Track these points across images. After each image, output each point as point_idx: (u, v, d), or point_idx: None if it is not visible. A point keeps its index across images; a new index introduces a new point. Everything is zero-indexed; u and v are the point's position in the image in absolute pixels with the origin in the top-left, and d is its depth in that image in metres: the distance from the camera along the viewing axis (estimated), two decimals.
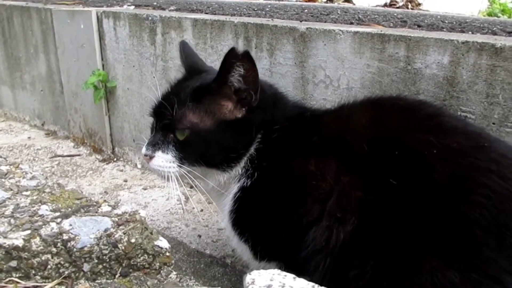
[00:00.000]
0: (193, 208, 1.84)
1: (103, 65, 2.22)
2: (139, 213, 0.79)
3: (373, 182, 0.93)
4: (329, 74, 1.41)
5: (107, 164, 2.33)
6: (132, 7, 2.34)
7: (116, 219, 0.75)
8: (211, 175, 1.14)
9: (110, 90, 2.23)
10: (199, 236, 1.64)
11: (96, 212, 0.76)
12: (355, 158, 0.97)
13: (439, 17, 1.42)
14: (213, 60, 1.72)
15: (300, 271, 0.90)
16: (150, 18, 1.91)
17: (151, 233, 0.76)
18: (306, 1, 2.88)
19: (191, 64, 1.25)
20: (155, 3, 2.43)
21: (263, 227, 1.07)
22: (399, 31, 1.26)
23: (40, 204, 0.77)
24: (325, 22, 1.61)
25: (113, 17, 2.07)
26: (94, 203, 0.80)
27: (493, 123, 1.14)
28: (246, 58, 1.04)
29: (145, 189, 2.04)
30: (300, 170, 1.02)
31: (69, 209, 0.76)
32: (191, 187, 2.01)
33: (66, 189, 0.86)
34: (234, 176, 1.12)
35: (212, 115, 1.09)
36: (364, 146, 0.95)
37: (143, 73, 2.03)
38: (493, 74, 1.10)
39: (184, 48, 1.30)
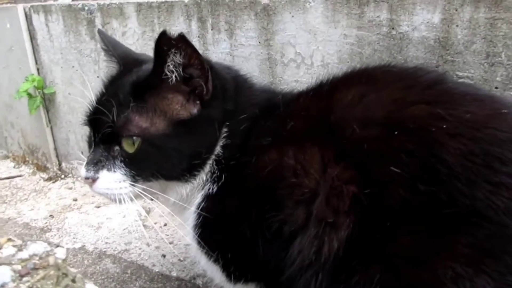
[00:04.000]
0: (155, 223, 1.66)
1: (38, 69, 2.00)
2: (54, 254, 0.60)
3: (369, 172, 0.77)
4: (300, 51, 1.26)
5: (53, 183, 2.11)
6: (68, 1, 2.14)
7: (19, 267, 0.57)
8: (171, 189, 0.97)
9: (49, 98, 2.02)
10: (163, 256, 1.45)
11: None
12: (344, 143, 0.80)
13: None
14: None
15: None
16: (86, 8, 1.72)
17: (74, 280, 0.58)
18: None
19: (123, 55, 1.06)
20: None
21: (234, 241, 0.89)
22: None
23: None
24: None
25: (43, 11, 1.87)
26: None
27: (496, 87, 1.01)
28: (182, 42, 0.84)
29: (98, 207, 1.83)
30: (275, 165, 0.84)
31: None
32: (151, 199, 1.84)
33: None
34: (198, 185, 0.95)
35: (164, 114, 0.91)
36: (354, 128, 0.79)
37: (85, 74, 1.83)
38: (494, 29, 0.98)
39: (105, 37, 1.10)
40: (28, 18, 1.92)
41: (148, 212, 1.74)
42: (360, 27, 1.15)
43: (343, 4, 1.16)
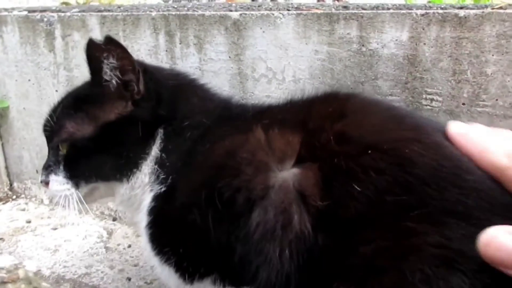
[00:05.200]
0: (118, 244, 1.63)
1: None
2: (23, 267, 0.58)
3: (331, 186, 0.79)
4: (271, 66, 1.30)
5: (3, 204, 2.02)
6: (25, 12, 2.10)
7: None
8: (116, 191, 1.05)
9: (1, 113, 1.96)
10: (129, 279, 1.42)
11: None
12: (317, 147, 0.82)
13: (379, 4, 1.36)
14: None
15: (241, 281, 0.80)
16: (45, 19, 1.70)
17: None
18: (228, 1, 2.80)
19: None
20: (53, 8, 2.21)
21: (185, 232, 0.91)
22: (348, 10, 1.18)
23: None
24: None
25: None
26: None
27: (463, 104, 1.08)
28: (112, 45, 0.93)
29: (54, 229, 1.78)
30: (234, 142, 0.89)
31: None
32: (114, 219, 1.80)
33: None
34: (143, 186, 1.01)
35: (96, 120, 1.00)
36: (330, 139, 0.82)
37: (42, 87, 1.80)
38: (459, 48, 1.05)
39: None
40: None
41: (110, 233, 1.71)
42: (331, 44, 1.20)
43: (313, 20, 1.21)
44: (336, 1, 3.25)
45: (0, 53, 1.85)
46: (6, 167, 2.08)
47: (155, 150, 0.99)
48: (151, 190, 0.98)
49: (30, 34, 1.74)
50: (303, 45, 1.24)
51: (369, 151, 0.78)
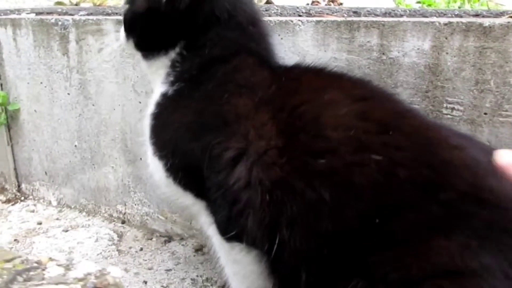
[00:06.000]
0: (130, 247, 1.60)
1: (1, 85, 1.91)
2: (108, 273, 0.56)
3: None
4: None
5: (12, 205, 1.99)
6: (33, 14, 2.07)
7: (78, 287, 0.53)
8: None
9: (12, 115, 1.92)
10: (145, 282, 1.40)
11: (43, 279, 0.53)
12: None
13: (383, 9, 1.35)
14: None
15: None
16: (60, 23, 1.67)
17: None
18: None
19: None
20: (59, 10, 2.18)
21: (181, 147, 0.94)
22: (370, 18, 1.16)
23: None
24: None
25: (12, 25, 1.79)
26: (35, 264, 0.57)
27: (485, 113, 1.06)
28: None
29: (66, 231, 1.75)
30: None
31: (0, 279, 0.53)
32: (123, 222, 1.77)
33: None
34: (159, 75, 1.05)
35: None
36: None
37: (54, 90, 1.76)
38: (482, 58, 1.03)
39: None
40: None
41: (120, 236, 1.69)
42: (351, 51, 1.18)
43: (333, 28, 1.19)
44: (331, 3, 3.23)
45: (13, 55, 1.82)
46: (15, 169, 2.04)
47: (176, 51, 1.01)
48: (161, 84, 1.02)
49: (44, 38, 1.71)
50: (322, 52, 1.22)
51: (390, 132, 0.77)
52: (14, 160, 2.03)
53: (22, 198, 2.04)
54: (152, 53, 1.05)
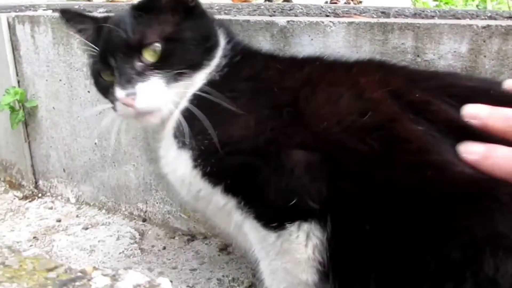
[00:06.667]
0: (153, 246, 1.58)
1: (18, 82, 1.87)
2: (159, 285, 0.54)
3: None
4: None
5: (30, 202, 1.96)
6: (49, 11, 2.03)
7: None
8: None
9: (30, 112, 1.89)
10: (171, 281, 1.37)
11: None
12: None
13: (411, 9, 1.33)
14: None
15: None
16: None
17: None
18: (242, 1, 2.73)
19: None
20: (76, 6, 2.13)
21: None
22: (404, 19, 1.13)
23: None
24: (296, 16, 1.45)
25: (30, 22, 1.75)
26: (80, 274, 0.54)
27: None
28: None
29: (86, 228, 1.72)
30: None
31: None
32: (144, 220, 1.75)
33: (24, 255, 0.59)
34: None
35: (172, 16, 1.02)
36: None
37: (74, 88, 1.73)
38: None
39: None
40: (11, 28, 1.79)
41: (142, 234, 1.66)
42: (384, 53, 1.15)
43: (366, 30, 1.16)
44: (350, 2, 3.19)
45: (31, 53, 1.78)
46: (32, 165, 2.01)
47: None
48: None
49: (63, 35, 1.67)
50: (354, 54, 1.18)
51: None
52: (32, 157, 2.00)
53: (40, 195, 2.01)
54: None
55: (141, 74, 0.95)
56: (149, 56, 0.95)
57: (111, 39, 0.98)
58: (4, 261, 0.56)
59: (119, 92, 0.94)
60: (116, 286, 0.51)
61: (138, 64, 0.96)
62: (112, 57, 0.97)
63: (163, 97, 0.96)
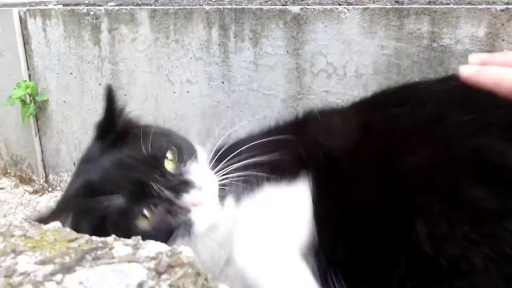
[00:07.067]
0: None
1: (29, 75, 1.86)
2: (180, 252, 0.52)
3: None
4: (332, 61, 1.23)
5: (40, 196, 1.95)
6: (60, 6, 2.02)
7: (152, 265, 0.49)
8: None
9: (40, 105, 1.88)
10: None
11: (113, 258, 0.49)
12: None
13: None
14: (178, 57, 1.47)
15: None
16: (92, 13, 1.61)
17: (206, 280, 0.51)
18: None
19: None
20: (86, 2, 2.13)
21: None
22: (418, 5, 1.11)
23: (13, 254, 0.49)
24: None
25: (41, 15, 1.74)
26: (101, 244, 0.52)
27: None
28: None
29: None
30: None
31: (68, 258, 0.49)
32: None
33: (45, 228, 0.57)
34: None
35: None
36: None
37: (85, 81, 1.72)
38: None
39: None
40: (22, 22, 1.78)
41: None
42: (399, 39, 1.13)
43: (381, 15, 1.14)
44: None
45: (42, 46, 1.77)
46: (43, 160, 2.00)
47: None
48: None
49: (75, 28, 1.66)
50: (368, 40, 1.16)
51: None
52: (42, 151, 1.98)
53: (50, 189, 1.99)
54: None
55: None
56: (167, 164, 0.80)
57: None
58: (25, 233, 0.54)
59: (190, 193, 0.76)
60: (138, 254, 0.49)
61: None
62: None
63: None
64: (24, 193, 1.99)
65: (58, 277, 0.45)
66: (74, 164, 1.89)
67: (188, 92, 1.48)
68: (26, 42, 1.81)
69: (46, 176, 2.03)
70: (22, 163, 2.06)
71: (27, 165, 2.04)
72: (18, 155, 2.05)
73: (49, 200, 1.91)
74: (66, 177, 1.94)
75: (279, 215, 0.79)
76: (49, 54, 1.76)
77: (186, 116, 1.50)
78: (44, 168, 2.02)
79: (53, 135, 1.91)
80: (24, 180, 2.07)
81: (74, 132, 1.83)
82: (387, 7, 1.12)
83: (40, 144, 1.98)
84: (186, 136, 0.91)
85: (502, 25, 1.01)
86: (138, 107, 1.61)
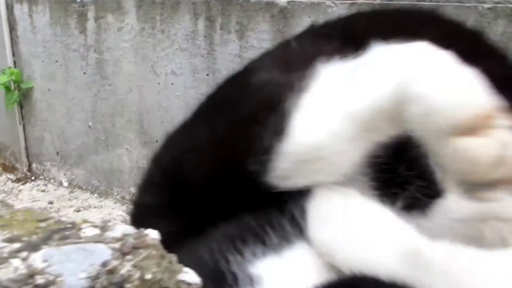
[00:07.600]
0: None
1: (14, 62, 1.82)
2: (146, 235, 0.51)
3: None
4: None
5: (23, 184, 1.92)
6: None
7: (117, 246, 0.47)
8: None
9: (25, 93, 1.84)
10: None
11: (80, 238, 0.47)
12: None
13: None
14: (164, 48, 1.45)
15: None
16: (78, 0, 1.58)
17: (170, 262, 0.49)
18: None
19: None
20: None
21: None
22: (408, 1, 1.10)
23: None
24: None
25: (28, 1, 1.71)
26: (69, 225, 0.51)
27: None
28: None
29: (78, 211, 1.68)
30: None
31: (35, 237, 0.47)
32: None
33: (16, 208, 0.56)
34: None
35: None
36: None
37: (70, 70, 1.68)
38: None
39: None
40: (9, 8, 1.75)
41: None
42: None
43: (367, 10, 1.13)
44: None
45: (28, 33, 1.73)
46: (26, 148, 1.96)
47: None
48: None
49: (61, 15, 1.62)
50: None
51: None
52: (26, 140, 1.94)
53: (33, 177, 1.96)
54: None
55: None
56: None
57: None
58: None
59: None
60: (105, 235, 0.48)
61: None
62: None
63: None
64: (7, 181, 1.95)
65: (24, 254, 0.43)
66: (57, 153, 1.86)
67: (172, 84, 1.46)
68: (12, 28, 1.78)
69: (29, 165, 1.99)
70: (6, 151, 2.02)
71: (11, 153, 2.00)
72: (1, 143, 2.01)
73: (32, 189, 1.88)
74: (49, 166, 1.91)
75: None
76: (34, 41, 1.73)
77: (170, 108, 1.48)
78: (28, 156, 1.98)
79: (37, 123, 1.87)
80: (7, 168, 2.03)
81: (58, 121, 1.80)
82: (375, 2, 1.11)
83: (24, 132, 1.94)
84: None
85: (489, 23, 1.00)
86: (122, 97, 1.58)
